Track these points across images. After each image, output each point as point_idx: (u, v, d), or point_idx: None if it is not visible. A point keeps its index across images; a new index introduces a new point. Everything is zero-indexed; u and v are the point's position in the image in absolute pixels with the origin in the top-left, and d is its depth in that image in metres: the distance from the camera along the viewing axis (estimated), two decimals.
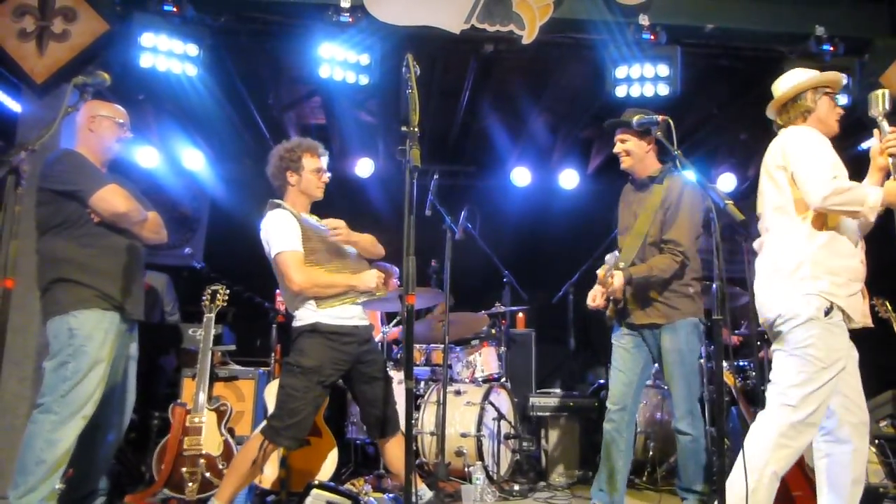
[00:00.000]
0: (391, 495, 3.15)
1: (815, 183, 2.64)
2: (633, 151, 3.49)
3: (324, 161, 3.49)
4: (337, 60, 4.64)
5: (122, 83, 5.01)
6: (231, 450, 3.66)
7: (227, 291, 4.05)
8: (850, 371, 2.78)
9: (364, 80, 4.72)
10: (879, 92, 2.71)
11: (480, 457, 4.41)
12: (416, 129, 2.28)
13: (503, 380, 5.06)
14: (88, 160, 3.29)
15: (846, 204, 2.61)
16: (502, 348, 5.25)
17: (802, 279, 2.69)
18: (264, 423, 3.14)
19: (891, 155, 2.67)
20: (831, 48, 4.70)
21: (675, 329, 3.35)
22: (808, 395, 2.63)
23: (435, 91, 5.99)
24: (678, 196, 3.36)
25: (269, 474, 3.63)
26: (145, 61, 4.47)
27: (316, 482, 2.16)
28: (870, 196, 2.61)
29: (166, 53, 4.49)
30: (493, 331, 5.36)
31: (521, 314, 6.30)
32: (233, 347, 4.40)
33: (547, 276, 5.95)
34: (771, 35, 4.78)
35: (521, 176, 7.20)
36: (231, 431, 3.79)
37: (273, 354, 4.76)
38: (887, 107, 2.69)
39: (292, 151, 3.41)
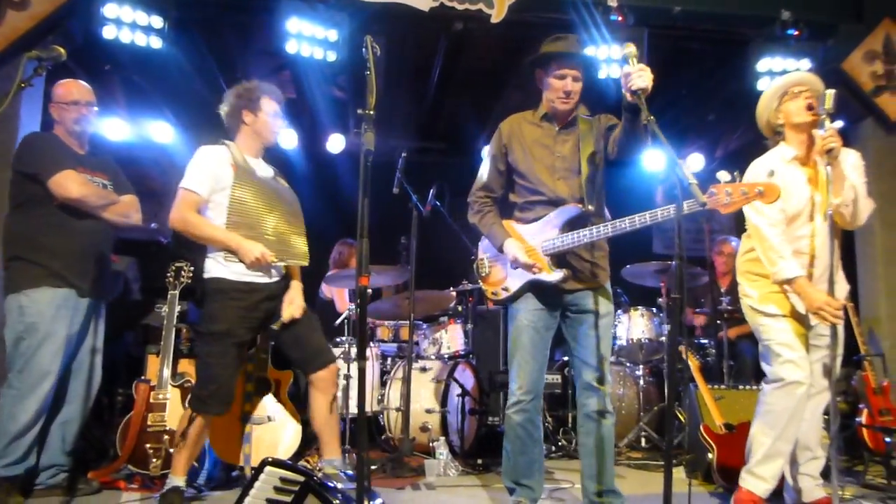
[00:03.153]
0: (348, 472, 3.19)
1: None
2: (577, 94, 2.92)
3: (280, 108, 3.39)
4: (305, 36, 4.61)
5: (87, 54, 4.95)
6: None
7: (192, 268, 4.03)
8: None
9: (332, 56, 4.70)
10: (828, 92, 2.79)
11: (445, 432, 4.49)
12: (371, 112, 2.28)
13: (469, 356, 5.13)
14: (58, 142, 3.41)
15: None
16: (469, 325, 5.31)
17: None
18: (190, 395, 3.16)
19: (827, 151, 2.79)
20: (796, 32, 4.77)
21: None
22: None
23: (406, 68, 5.97)
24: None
25: (233, 450, 3.66)
26: (108, 32, 4.41)
27: (270, 459, 2.20)
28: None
29: (130, 25, 4.42)
30: (460, 308, 5.42)
31: None
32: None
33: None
34: (737, 18, 4.84)
35: None
36: None
37: None
38: (831, 107, 2.77)
39: (251, 91, 3.32)
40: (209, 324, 3.09)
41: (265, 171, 3.38)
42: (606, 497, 2.85)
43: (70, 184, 3.27)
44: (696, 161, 7.11)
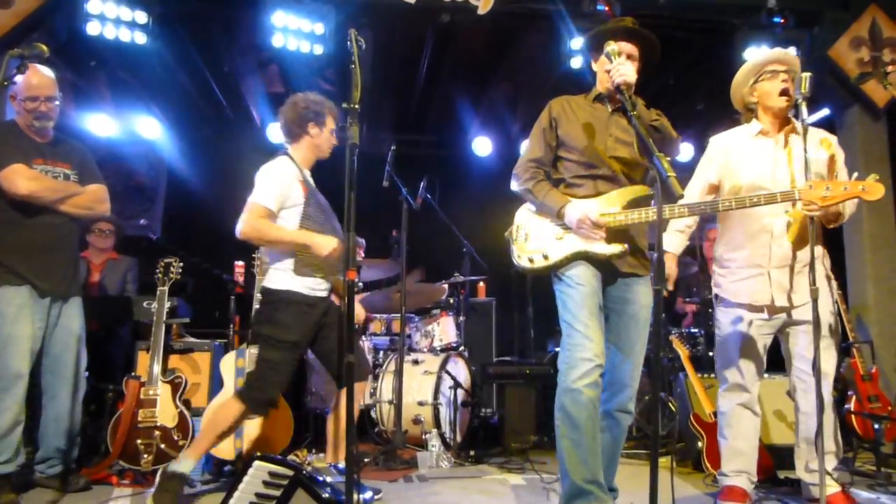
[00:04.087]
0: (339, 465, 3.20)
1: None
2: None
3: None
4: (290, 29, 4.59)
5: (72, 50, 4.92)
6: (186, 421, 3.69)
7: (181, 264, 4.02)
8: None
9: (319, 49, 4.68)
10: (804, 75, 2.73)
11: (437, 424, 4.50)
12: (356, 107, 2.27)
13: (461, 349, 5.14)
14: (12, 133, 3.32)
15: None
16: (461, 318, 5.32)
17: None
18: (241, 390, 3.12)
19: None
20: (782, 20, 4.78)
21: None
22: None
23: (394, 61, 5.95)
24: None
25: (226, 445, 3.66)
26: (92, 29, 4.38)
27: (258, 454, 2.20)
28: None
29: (114, 21, 4.40)
30: (452, 300, 5.43)
31: (481, 283, 6.37)
32: (186, 320, 4.39)
33: (507, 245, 6.01)
34: (723, 6, 4.84)
35: (481, 146, 7.22)
36: (187, 403, 3.81)
37: (231, 326, 4.76)
38: (807, 91, 2.71)
39: (320, 105, 3.35)
40: (282, 333, 3.09)
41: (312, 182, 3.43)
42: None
43: (18, 179, 3.16)
44: (685, 150, 7.14)
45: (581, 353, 2.54)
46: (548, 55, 5.50)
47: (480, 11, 4.59)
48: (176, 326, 4.37)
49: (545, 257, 2.74)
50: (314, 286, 3.19)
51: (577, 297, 2.64)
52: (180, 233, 6.61)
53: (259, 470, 2.17)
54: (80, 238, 3.83)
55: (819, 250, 2.96)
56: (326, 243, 3.10)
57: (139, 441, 3.58)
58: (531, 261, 2.77)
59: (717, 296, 3.20)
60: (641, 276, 2.78)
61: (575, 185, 2.79)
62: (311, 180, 3.38)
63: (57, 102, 3.39)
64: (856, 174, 2.60)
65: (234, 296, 4.88)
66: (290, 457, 3.86)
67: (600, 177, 2.75)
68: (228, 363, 3.88)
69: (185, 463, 2.99)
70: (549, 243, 2.76)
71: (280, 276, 3.17)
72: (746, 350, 3.05)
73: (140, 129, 6.71)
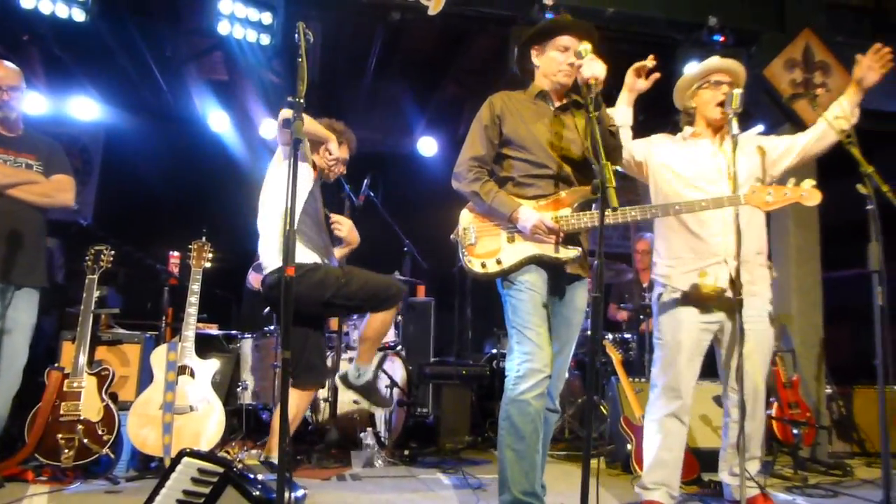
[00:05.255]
0: (272, 461, 3.15)
1: None
2: None
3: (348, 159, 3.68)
4: (237, 17, 4.49)
5: (3, 22, 4.70)
6: (112, 415, 3.56)
7: (112, 252, 3.88)
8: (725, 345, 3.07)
9: (266, 39, 4.60)
10: (735, 92, 2.83)
11: (372, 423, 4.48)
12: (301, 100, 2.24)
13: (398, 348, 5.13)
14: None
15: None
16: (399, 317, 5.30)
17: None
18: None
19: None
20: (722, 39, 4.94)
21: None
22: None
23: (342, 56, 5.90)
24: None
25: (153, 440, 3.56)
26: (26, 2, 4.19)
27: (187, 450, 2.14)
28: None
29: None
30: None
31: (420, 283, 6.36)
32: (116, 310, 4.25)
33: (448, 246, 6.02)
34: (666, 22, 4.96)
35: (427, 146, 7.23)
36: (113, 396, 3.69)
37: (164, 318, 4.63)
38: (738, 106, 2.82)
39: (341, 134, 3.59)
40: (336, 281, 3.24)
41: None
42: None
43: None
44: None
45: (532, 363, 2.53)
46: (496, 60, 5.55)
47: (431, 12, 4.59)
48: (105, 317, 4.22)
49: (499, 262, 2.68)
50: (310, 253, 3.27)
51: (530, 303, 2.61)
52: (113, 220, 6.38)
53: (187, 466, 2.11)
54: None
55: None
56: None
57: (60, 435, 3.44)
58: (484, 266, 2.70)
59: (659, 296, 3.11)
60: (582, 279, 2.79)
61: (524, 184, 2.72)
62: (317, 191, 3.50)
63: (20, 93, 3.39)
64: (793, 179, 2.72)
65: (167, 287, 4.76)
66: (221, 453, 3.79)
67: (551, 177, 2.70)
68: (159, 356, 3.77)
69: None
70: (502, 247, 2.70)
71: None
72: (688, 351, 3.00)
73: (74, 110, 6.46)
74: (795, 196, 2.64)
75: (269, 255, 3.29)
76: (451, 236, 2.84)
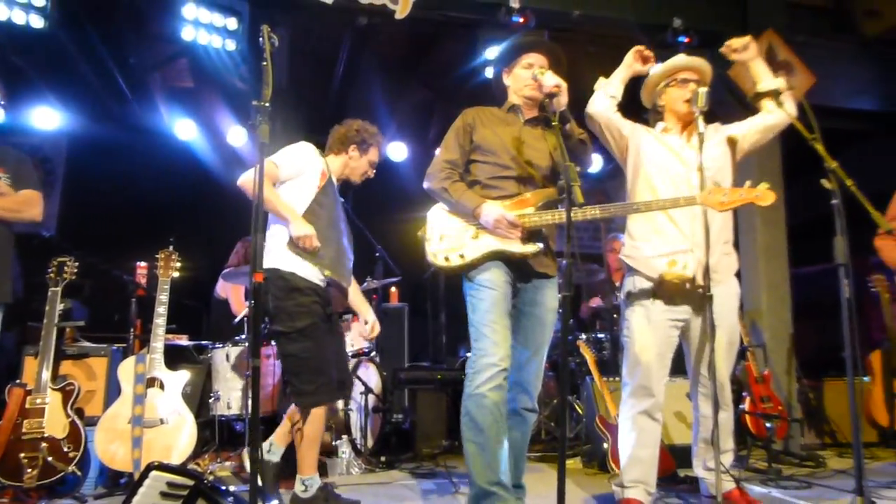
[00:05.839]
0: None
1: None
2: None
3: (377, 162, 3.53)
4: (202, 22, 4.43)
5: None
6: (79, 431, 3.47)
7: (76, 263, 3.79)
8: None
9: (231, 45, 4.54)
10: (700, 91, 2.88)
11: (348, 431, 4.43)
12: (267, 104, 2.21)
13: (373, 354, 5.09)
14: None
15: None
16: None
17: None
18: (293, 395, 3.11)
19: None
20: (686, 40, 4.99)
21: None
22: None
23: (311, 62, 5.85)
24: None
25: (122, 455, 3.47)
26: None
27: (156, 463, 2.09)
28: None
29: (6, 1, 4.10)
30: None
31: (394, 289, 6.33)
32: (81, 323, 4.15)
33: (421, 251, 6.00)
34: (632, 24, 5.00)
35: (397, 151, 7.20)
36: (80, 412, 3.60)
37: (132, 330, 4.54)
38: (704, 105, 2.86)
39: (372, 136, 3.45)
40: (292, 322, 3.05)
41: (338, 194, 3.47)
42: (516, 491, 2.80)
43: None
44: (595, 161, 7.36)
45: (486, 358, 2.61)
46: (464, 64, 5.54)
47: (398, 16, 4.57)
48: (70, 330, 4.12)
49: (461, 256, 2.77)
50: (309, 273, 3.14)
51: (488, 300, 2.69)
52: (78, 231, 6.24)
53: (156, 480, 2.05)
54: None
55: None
56: (302, 226, 3.07)
57: (22, 455, 3.32)
58: (447, 259, 2.79)
59: (629, 293, 3.10)
60: (551, 278, 2.88)
61: (490, 186, 2.85)
62: (335, 189, 3.40)
63: None
64: (748, 182, 2.74)
65: (135, 298, 4.66)
66: (192, 465, 3.71)
67: (515, 178, 2.83)
68: (127, 369, 3.68)
69: (311, 477, 3.11)
70: (465, 242, 2.80)
71: (281, 257, 3.11)
72: (658, 349, 3.00)
73: (34, 119, 6.30)
74: (750, 197, 2.66)
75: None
76: (419, 233, 2.93)
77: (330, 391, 3.15)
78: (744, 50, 3.07)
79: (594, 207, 2.72)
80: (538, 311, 2.84)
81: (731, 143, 3.13)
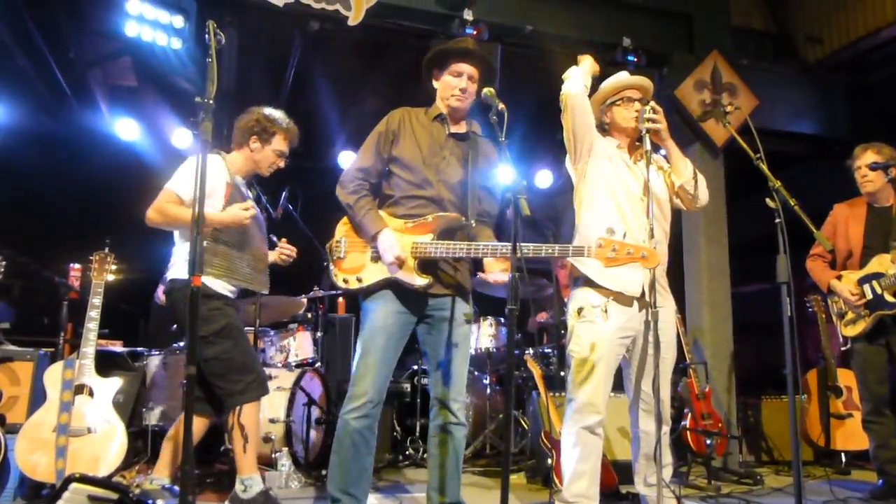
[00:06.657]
0: (172, 486, 2.96)
1: None
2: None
3: (287, 151, 3.46)
4: (147, 19, 4.30)
5: None
6: None
7: (4, 263, 3.61)
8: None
9: (177, 43, 4.42)
10: (646, 107, 2.93)
11: (289, 443, 4.31)
12: (210, 101, 2.14)
13: (317, 365, 4.99)
14: None
15: None
16: (319, 333, 5.16)
17: None
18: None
19: (655, 132, 2.98)
20: (635, 59, 5.10)
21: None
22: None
23: (260, 63, 5.74)
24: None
25: (45, 465, 3.29)
26: None
27: (77, 475, 1.97)
28: None
29: None
30: (310, 315, 5.26)
31: (341, 299, 6.23)
32: (6, 325, 3.95)
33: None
34: (583, 42, 5.07)
35: (347, 160, 7.11)
36: (1, 419, 3.40)
37: (63, 334, 4.33)
38: (651, 124, 2.92)
39: (271, 123, 3.35)
40: (208, 326, 3.03)
41: (248, 193, 3.40)
42: None
43: None
44: (544, 177, 7.43)
45: (356, 388, 2.72)
46: (416, 74, 5.52)
47: (351, 22, 4.53)
48: None
49: (359, 280, 2.80)
50: (226, 287, 3.15)
51: (369, 331, 2.76)
52: (8, 230, 5.96)
53: (76, 493, 1.93)
54: None
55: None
56: (227, 217, 3.05)
57: None
58: (346, 281, 2.81)
59: (579, 308, 3.05)
60: (457, 295, 2.86)
61: (400, 202, 2.84)
62: (242, 188, 3.34)
63: None
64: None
65: (67, 301, 4.45)
66: (117, 478, 3.53)
67: (426, 198, 2.81)
68: (54, 374, 3.49)
69: (253, 478, 3.10)
70: (366, 265, 2.81)
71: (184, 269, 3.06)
72: (607, 366, 2.97)
73: None
74: (636, 257, 2.58)
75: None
76: (327, 246, 2.91)
77: (259, 386, 3.15)
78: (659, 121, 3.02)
79: (462, 243, 2.72)
80: (446, 327, 2.84)
81: (665, 174, 3.19)
